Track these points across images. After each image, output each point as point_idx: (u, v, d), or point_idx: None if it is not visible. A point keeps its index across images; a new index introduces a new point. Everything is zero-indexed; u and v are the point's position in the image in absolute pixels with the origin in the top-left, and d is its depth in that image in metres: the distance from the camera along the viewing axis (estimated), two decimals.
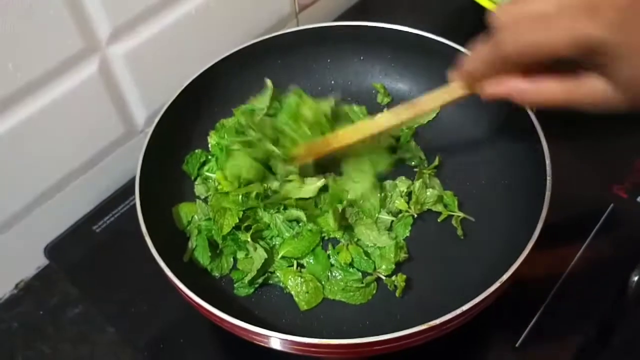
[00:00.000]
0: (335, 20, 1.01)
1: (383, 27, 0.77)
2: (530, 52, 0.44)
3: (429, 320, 0.52)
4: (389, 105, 0.80)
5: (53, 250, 0.76)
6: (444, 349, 0.64)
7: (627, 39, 0.41)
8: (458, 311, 0.51)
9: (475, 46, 0.50)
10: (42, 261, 0.78)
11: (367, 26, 0.77)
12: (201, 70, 0.74)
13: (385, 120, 0.64)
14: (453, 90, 0.57)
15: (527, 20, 0.43)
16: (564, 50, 0.42)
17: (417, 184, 0.70)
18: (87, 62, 0.71)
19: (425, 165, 0.74)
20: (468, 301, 0.52)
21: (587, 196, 0.76)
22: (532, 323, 0.66)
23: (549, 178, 0.60)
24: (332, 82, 0.82)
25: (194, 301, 0.55)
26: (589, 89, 0.46)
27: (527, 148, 0.66)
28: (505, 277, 0.53)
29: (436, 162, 0.74)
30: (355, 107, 0.78)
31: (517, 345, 0.65)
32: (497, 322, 0.67)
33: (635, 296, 0.72)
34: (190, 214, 0.71)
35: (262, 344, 0.56)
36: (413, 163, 0.75)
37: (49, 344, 0.71)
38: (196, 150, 0.75)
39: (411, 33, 0.75)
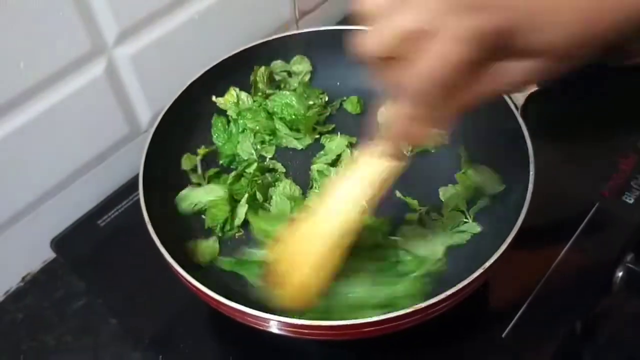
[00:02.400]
0: (336, 24, 1.03)
1: None
2: (439, 78, 0.39)
3: None
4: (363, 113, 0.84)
5: (59, 243, 0.79)
6: (431, 339, 0.66)
7: (525, 8, 0.38)
8: (442, 295, 0.54)
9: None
10: (48, 255, 0.80)
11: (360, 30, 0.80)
12: (201, 72, 0.77)
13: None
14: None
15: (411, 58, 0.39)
16: (468, 56, 0.38)
17: None
18: (94, 63, 0.74)
19: None
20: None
21: (573, 196, 0.78)
22: (518, 315, 0.68)
23: (531, 173, 0.62)
24: (324, 82, 0.86)
25: (194, 286, 0.58)
26: (515, 71, 0.42)
27: (512, 147, 0.68)
28: (488, 264, 0.56)
29: None
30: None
31: (503, 335, 0.67)
32: (484, 313, 0.70)
33: (620, 292, 0.75)
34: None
35: (262, 329, 0.59)
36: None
37: (53, 335, 0.73)
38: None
39: None
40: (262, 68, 0.82)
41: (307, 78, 0.85)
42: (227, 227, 0.72)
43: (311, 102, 0.80)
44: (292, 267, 0.56)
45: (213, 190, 0.73)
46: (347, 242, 0.54)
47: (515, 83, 0.43)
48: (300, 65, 0.85)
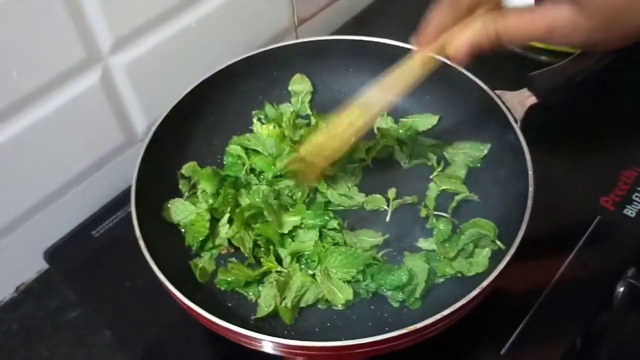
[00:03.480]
0: (334, 33, 1.03)
1: (373, 41, 0.79)
2: None
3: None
4: None
5: (52, 254, 0.78)
6: (430, 356, 0.65)
7: None
8: (438, 316, 0.53)
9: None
10: (42, 265, 0.79)
11: (358, 40, 0.80)
12: (199, 81, 0.76)
13: (368, 103, 0.65)
14: (418, 61, 0.59)
15: None
16: None
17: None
18: (89, 72, 0.73)
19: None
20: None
21: (575, 208, 0.77)
22: (517, 331, 0.67)
23: (530, 188, 0.61)
24: (325, 93, 0.84)
25: (185, 304, 0.57)
26: (554, 15, 0.47)
27: (511, 158, 0.68)
28: (485, 283, 0.55)
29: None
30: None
31: (502, 352, 0.66)
32: (483, 329, 0.69)
33: (620, 308, 0.74)
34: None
35: (254, 348, 0.58)
36: (429, 164, 0.76)
37: (47, 345, 0.73)
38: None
39: (400, 47, 0.77)
40: (289, 113, 0.80)
41: (307, 99, 0.83)
42: (209, 245, 0.70)
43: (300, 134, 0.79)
44: (315, 152, 0.69)
45: (192, 206, 0.72)
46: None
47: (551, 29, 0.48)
48: (300, 85, 0.83)
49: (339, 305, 0.64)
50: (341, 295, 0.64)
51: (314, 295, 0.65)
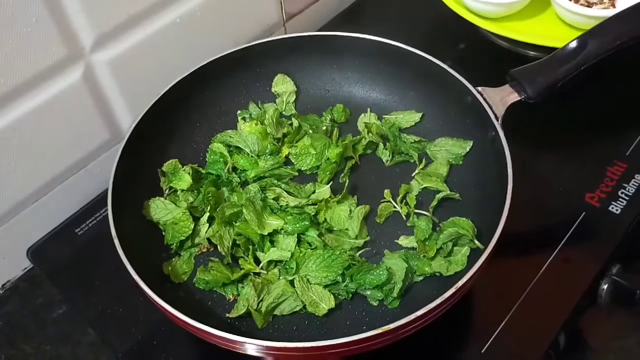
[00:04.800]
0: (322, 29, 1.02)
1: (358, 37, 0.78)
2: None
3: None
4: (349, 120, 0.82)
5: (35, 252, 0.78)
6: (411, 354, 0.65)
7: None
8: (413, 316, 0.53)
9: None
10: (28, 263, 0.79)
11: (343, 36, 0.79)
12: (179, 78, 0.75)
13: None
14: None
15: None
16: None
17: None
18: (71, 69, 0.73)
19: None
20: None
21: (560, 204, 0.76)
22: (499, 328, 0.67)
23: (509, 187, 0.61)
24: (309, 89, 0.84)
25: (158, 304, 0.57)
26: None
27: (492, 156, 0.67)
28: (460, 283, 0.54)
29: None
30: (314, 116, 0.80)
31: (483, 351, 0.65)
32: (465, 327, 0.68)
33: (605, 305, 0.73)
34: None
35: (230, 349, 0.58)
36: (412, 161, 0.76)
37: (32, 343, 0.73)
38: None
39: (384, 43, 0.77)
40: (271, 110, 0.79)
41: (292, 99, 0.82)
42: (188, 243, 0.70)
43: (283, 132, 0.78)
44: None
45: (171, 205, 0.71)
46: None
47: None
48: (283, 86, 0.82)
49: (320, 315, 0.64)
50: (324, 305, 0.63)
51: (290, 307, 0.64)
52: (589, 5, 0.86)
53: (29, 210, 0.77)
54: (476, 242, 0.64)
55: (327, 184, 0.72)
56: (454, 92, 0.72)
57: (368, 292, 0.64)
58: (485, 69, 0.74)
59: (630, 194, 0.76)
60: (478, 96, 0.68)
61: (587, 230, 0.74)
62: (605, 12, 0.82)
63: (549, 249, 0.72)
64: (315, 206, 0.70)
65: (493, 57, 0.94)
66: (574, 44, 0.66)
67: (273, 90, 0.82)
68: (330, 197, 0.71)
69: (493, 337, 0.66)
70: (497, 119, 0.66)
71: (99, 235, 0.78)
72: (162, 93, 0.74)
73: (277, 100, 0.82)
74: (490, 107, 0.67)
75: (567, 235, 0.73)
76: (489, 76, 0.73)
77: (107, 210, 0.77)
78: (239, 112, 0.81)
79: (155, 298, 0.56)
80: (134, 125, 0.71)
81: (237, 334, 0.54)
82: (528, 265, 0.71)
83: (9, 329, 0.75)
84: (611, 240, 0.73)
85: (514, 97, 0.67)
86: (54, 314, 0.75)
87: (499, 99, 0.68)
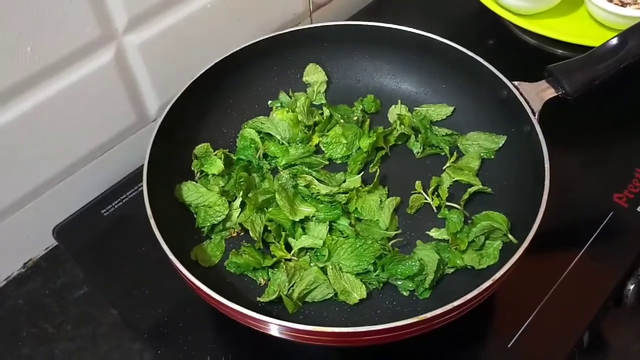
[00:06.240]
0: (349, 19, 1.02)
1: (391, 28, 0.78)
2: None
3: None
4: (379, 111, 0.82)
5: (61, 232, 0.78)
6: (435, 347, 0.65)
7: None
8: (449, 306, 0.53)
9: None
10: (50, 242, 0.79)
11: (376, 26, 0.79)
12: (212, 63, 0.75)
13: None
14: None
15: None
16: None
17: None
18: (103, 50, 0.73)
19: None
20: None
21: (588, 203, 0.76)
22: (525, 325, 0.67)
23: (547, 183, 0.61)
24: (340, 79, 0.84)
25: (194, 284, 0.57)
26: None
27: (527, 151, 0.67)
28: (497, 276, 0.54)
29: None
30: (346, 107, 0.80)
31: (509, 345, 0.65)
32: (491, 322, 0.68)
33: (630, 306, 0.73)
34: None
35: (261, 330, 0.58)
36: (443, 154, 0.76)
37: (53, 323, 0.73)
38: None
39: (418, 34, 0.76)
40: (302, 98, 0.79)
41: (322, 88, 0.82)
42: (219, 227, 0.70)
43: (314, 121, 0.78)
44: None
45: (203, 188, 0.71)
46: None
47: None
48: (315, 75, 0.82)
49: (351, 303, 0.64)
50: (355, 295, 0.63)
51: (322, 294, 0.64)
52: (623, 5, 0.86)
53: (54, 190, 0.77)
54: (510, 236, 0.64)
55: (358, 174, 0.72)
56: (488, 85, 0.72)
57: (399, 282, 0.64)
58: (514, 66, 0.74)
59: None
60: (514, 90, 0.68)
61: (615, 230, 0.74)
62: None
63: (576, 248, 0.72)
64: (346, 195, 0.70)
65: (521, 54, 0.94)
66: (614, 42, 0.66)
67: (304, 79, 0.82)
68: (360, 186, 0.70)
69: (519, 332, 0.66)
70: (534, 114, 0.66)
71: (124, 217, 0.79)
72: (195, 77, 0.74)
73: (307, 89, 0.82)
74: (527, 102, 0.67)
75: (595, 234, 0.73)
76: (518, 73, 0.72)
77: (132, 192, 0.80)
78: (270, 102, 0.81)
79: (191, 278, 0.56)
80: (168, 108, 0.71)
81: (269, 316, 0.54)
82: (555, 263, 0.71)
83: (30, 308, 0.75)
84: (638, 241, 0.73)
85: (551, 92, 0.67)
86: (75, 294, 0.75)
87: (535, 94, 0.67)
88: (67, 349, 0.71)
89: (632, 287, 0.72)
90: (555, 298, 0.69)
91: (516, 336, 0.66)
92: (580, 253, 0.72)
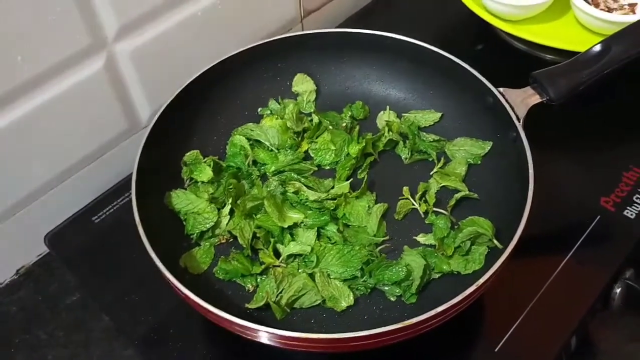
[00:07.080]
0: (339, 26, 1.03)
1: (381, 35, 0.79)
2: None
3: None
4: (367, 117, 0.82)
5: (53, 238, 0.78)
6: (426, 351, 0.66)
7: None
8: (433, 312, 0.53)
9: None
10: (42, 249, 0.80)
11: (365, 34, 0.79)
12: (202, 71, 0.76)
13: None
14: None
15: None
16: None
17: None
18: (93, 58, 0.73)
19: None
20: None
21: (575, 207, 0.77)
22: (512, 329, 0.67)
23: (531, 188, 0.61)
24: (329, 86, 0.84)
25: (181, 292, 0.57)
26: None
27: (512, 157, 0.68)
28: (481, 281, 0.55)
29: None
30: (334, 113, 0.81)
31: (496, 350, 0.66)
32: (478, 326, 0.69)
33: (617, 309, 0.74)
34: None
35: (250, 338, 0.58)
36: (430, 160, 0.76)
37: (46, 329, 0.73)
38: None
39: (407, 42, 0.77)
40: (291, 105, 0.80)
41: (312, 97, 0.82)
42: (208, 234, 0.71)
43: (303, 127, 0.79)
44: None
45: (192, 195, 0.72)
46: None
47: None
48: (303, 85, 0.82)
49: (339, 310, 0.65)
50: (343, 303, 0.64)
51: (310, 300, 0.64)
52: (609, 10, 0.87)
53: (46, 197, 0.78)
54: (495, 241, 0.65)
55: (347, 180, 0.73)
56: (475, 92, 0.73)
57: (386, 288, 0.65)
58: (502, 71, 0.74)
59: None
60: (500, 97, 0.69)
61: (602, 234, 0.74)
62: (627, 18, 0.83)
63: (563, 252, 0.73)
64: (334, 201, 0.70)
65: (510, 60, 0.95)
66: (598, 48, 0.67)
67: (293, 89, 0.83)
68: (349, 192, 0.71)
69: (507, 336, 0.67)
70: (518, 120, 0.67)
71: (115, 224, 0.79)
72: (185, 84, 0.74)
73: (297, 98, 0.83)
74: (512, 108, 0.68)
75: (581, 238, 0.74)
76: (507, 78, 0.73)
77: (123, 199, 0.80)
78: (259, 109, 0.82)
79: (178, 285, 0.57)
80: (157, 115, 0.71)
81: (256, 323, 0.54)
82: (542, 267, 0.72)
83: (23, 314, 0.75)
84: (625, 244, 0.74)
85: (536, 99, 0.68)
86: (67, 301, 0.76)
87: (520, 100, 0.68)
88: (59, 355, 0.71)
89: (618, 290, 0.72)
90: (543, 302, 0.69)
91: (503, 340, 0.66)
92: (568, 257, 0.72)
